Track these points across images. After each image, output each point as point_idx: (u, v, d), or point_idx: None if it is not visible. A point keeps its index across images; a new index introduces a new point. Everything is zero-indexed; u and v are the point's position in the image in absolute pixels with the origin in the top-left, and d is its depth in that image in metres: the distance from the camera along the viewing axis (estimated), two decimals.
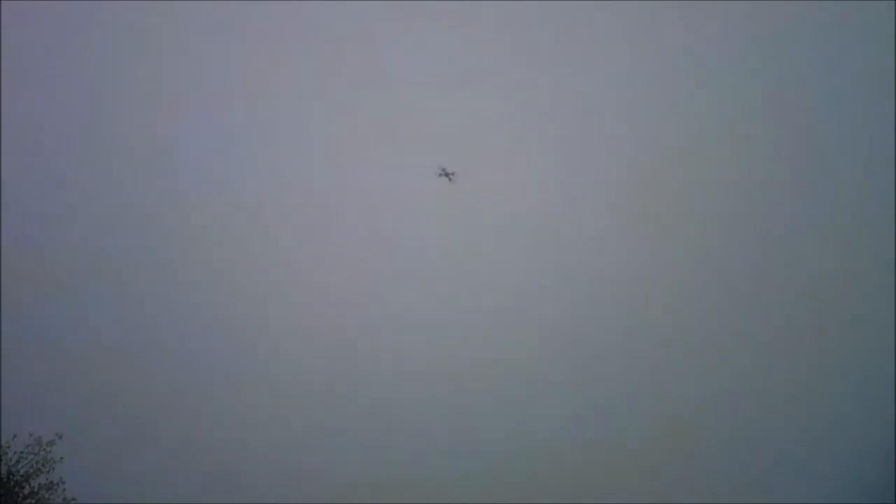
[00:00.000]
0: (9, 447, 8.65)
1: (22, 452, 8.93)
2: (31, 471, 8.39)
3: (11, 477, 8.27)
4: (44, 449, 8.72)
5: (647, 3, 3.04)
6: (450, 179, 3.02)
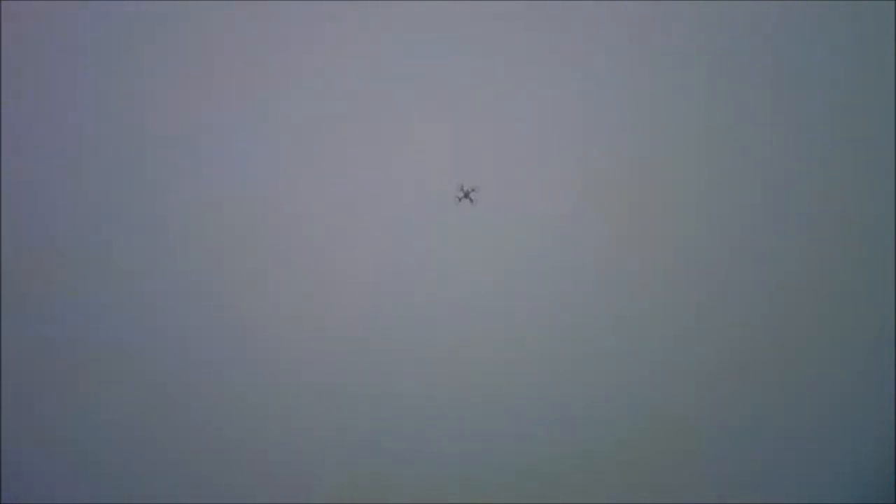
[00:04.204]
0: None
1: None
2: None
3: None
4: None
5: (646, 4, 3.01)
6: (471, 201, 2.50)
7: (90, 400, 2.02)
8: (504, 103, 2.03)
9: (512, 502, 2.10)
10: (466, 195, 2.00)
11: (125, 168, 2.00)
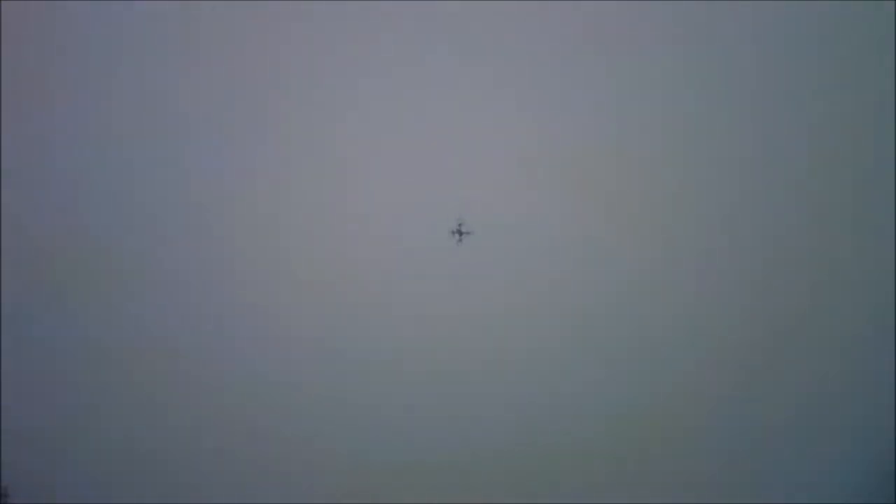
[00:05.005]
0: None
1: None
2: None
3: None
4: None
5: (644, 4, 2.97)
6: (459, 238, 2.47)
7: (91, 399, 2.02)
8: (502, 110, 2.04)
9: (511, 502, 2.10)
10: (458, 230, 2.04)
11: (125, 167, 2.00)
